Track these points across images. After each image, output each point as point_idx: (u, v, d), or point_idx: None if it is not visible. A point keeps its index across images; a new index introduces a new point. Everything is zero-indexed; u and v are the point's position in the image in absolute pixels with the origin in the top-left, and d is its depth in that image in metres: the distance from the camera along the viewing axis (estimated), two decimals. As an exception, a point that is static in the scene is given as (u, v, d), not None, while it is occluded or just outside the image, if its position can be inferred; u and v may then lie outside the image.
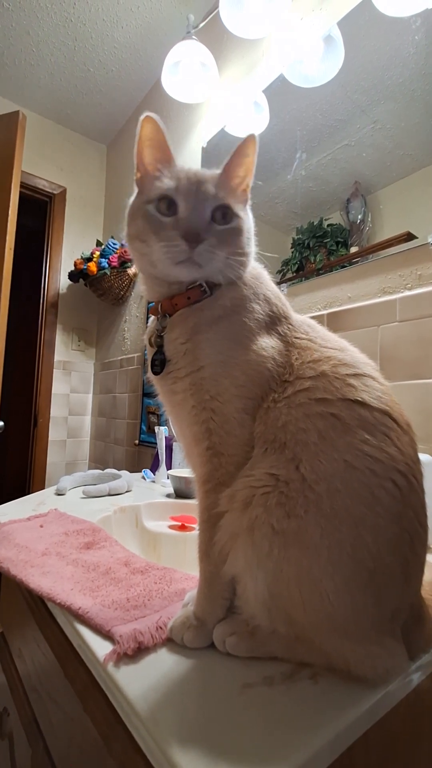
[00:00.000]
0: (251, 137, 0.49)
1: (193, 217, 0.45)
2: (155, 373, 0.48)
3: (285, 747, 0.31)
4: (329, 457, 0.39)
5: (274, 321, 0.48)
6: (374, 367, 0.47)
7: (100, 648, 0.42)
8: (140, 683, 0.37)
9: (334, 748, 0.33)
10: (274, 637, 0.40)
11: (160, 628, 0.43)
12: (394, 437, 0.40)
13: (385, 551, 0.38)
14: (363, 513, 0.37)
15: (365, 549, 0.37)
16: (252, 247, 0.51)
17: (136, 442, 1.91)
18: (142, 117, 0.47)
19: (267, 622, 0.40)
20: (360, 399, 0.41)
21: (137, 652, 0.41)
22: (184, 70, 1.49)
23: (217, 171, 0.49)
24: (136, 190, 0.51)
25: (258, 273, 0.52)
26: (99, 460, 2.31)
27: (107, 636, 0.43)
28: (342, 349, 0.47)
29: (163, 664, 0.40)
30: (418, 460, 0.42)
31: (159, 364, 0.48)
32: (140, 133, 0.47)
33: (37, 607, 0.65)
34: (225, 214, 0.47)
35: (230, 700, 0.35)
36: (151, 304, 0.53)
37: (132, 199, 0.51)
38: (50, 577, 0.56)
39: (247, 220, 0.50)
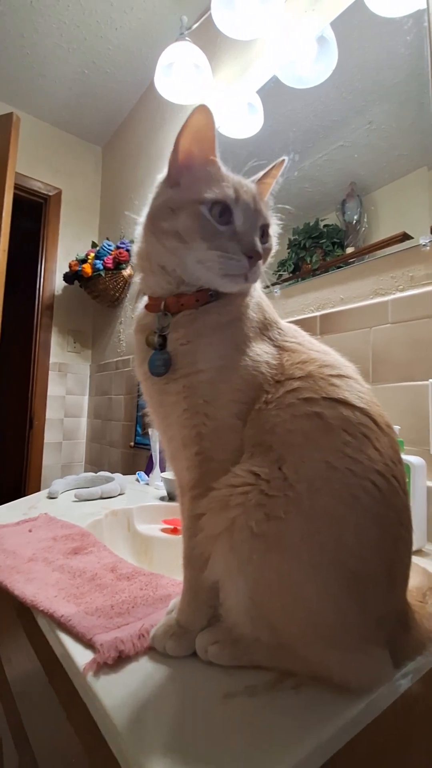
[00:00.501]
0: (282, 161, 0.52)
1: (252, 233, 0.45)
2: (159, 374, 0.46)
3: (264, 759, 0.30)
4: (312, 458, 0.39)
5: (266, 326, 0.49)
6: (355, 370, 0.47)
7: (82, 657, 0.42)
8: (119, 693, 0.37)
9: (315, 759, 0.32)
10: (257, 646, 0.39)
11: (143, 636, 0.43)
12: (374, 438, 0.40)
13: (367, 553, 0.37)
14: (343, 513, 0.37)
15: (347, 550, 0.37)
16: None
17: (132, 444, 1.90)
18: (197, 105, 0.45)
19: (250, 630, 0.39)
20: (343, 398, 0.42)
21: (118, 661, 0.40)
22: (178, 72, 1.49)
23: (253, 183, 0.50)
24: (160, 177, 0.49)
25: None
26: (95, 463, 2.31)
27: (89, 644, 0.43)
28: (325, 352, 0.49)
29: (144, 674, 0.39)
30: (399, 461, 0.42)
31: (163, 364, 0.46)
32: (190, 120, 0.45)
33: (25, 614, 0.64)
34: (265, 233, 0.49)
35: (211, 711, 0.35)
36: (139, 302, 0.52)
37: (160, 186, 0.48)
38: (35, 584, 0.55)
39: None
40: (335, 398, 0.42)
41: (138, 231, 0.51)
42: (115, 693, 0.37)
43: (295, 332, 0.51)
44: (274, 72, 1.30)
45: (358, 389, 0.44)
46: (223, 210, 0.45)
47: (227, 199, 0.45)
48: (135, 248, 0.51)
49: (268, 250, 0.49)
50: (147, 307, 0.51)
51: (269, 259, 0.51)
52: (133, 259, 0.52)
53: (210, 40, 1.51)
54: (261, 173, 0.52)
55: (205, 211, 0.44)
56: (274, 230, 0.51)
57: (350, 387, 0.43)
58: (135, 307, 0.54)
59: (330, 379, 0.43)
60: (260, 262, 0.45)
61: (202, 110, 0.44)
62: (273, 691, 0.37)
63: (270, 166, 0.52)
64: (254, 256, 0.44)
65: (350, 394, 0.43)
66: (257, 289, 0.52)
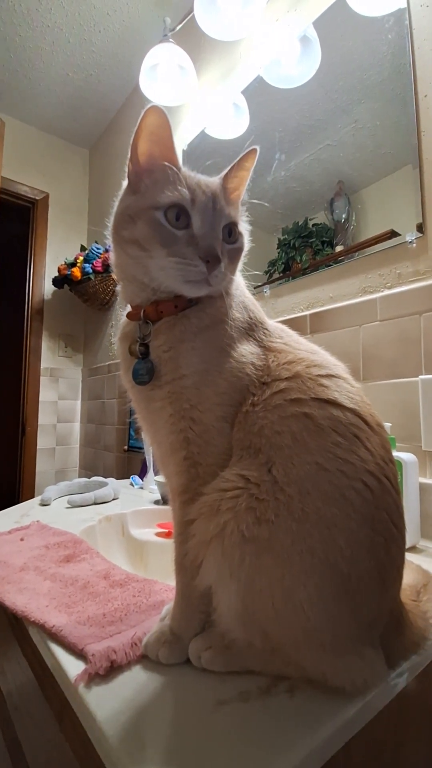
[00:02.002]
0: (254, 150, 0.48)
1: (211, 236, 0.43)
2: (142, 382, 0.45)
3: (258, 767, 0.30)
4: (301, 460, 0.38)
5: (252, 327, 0.48)
6: (345, 369, 0.47)
7: (74, 667, 0.41)
8: (112, 704, 0.36)
9: (310, 764, 0.32)
10: (250, 651, 0.39)
11: (135, 644, 0.42)
12: (364, 438, 0.40)
13: (358, 555, 0.37)
14: (334, 515, 0.37)
15: (338, 553, 0.36)
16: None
17: (125, 447, 1.89)
18: (147, 107, 0.42)
19: (242, 635, 0.39)
20: (332, 398, 0.41)
21: (110, 670, 0.40)
22: (163, 73, 1.48)
23: (218, 180, 0.48)
24: (125, 183, 0.47)
25: (236, 281, 0.51)
26: (89, 467, 2.29)
27: (81, 655, 0.42)
28: (313, 351, 0.48)
29: (137, 683, 0.39)
30: (391, 460, 0.42)
31: (146, 373, 0.45)
32: (141, 123, 0.43)
33: (18, 625, 0.63)
34: (232, 232, 0.47)
35: (204, 720, 0.34)
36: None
37: (122, 194, 0.47)
38: (26, 594, 0.54)
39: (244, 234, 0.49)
40: (324, 399, 0.41)
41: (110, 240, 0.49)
42: (108, 704, 0.36)
43: (282, 332, 0.51)
44: (258, 72, 1.30)
45: (347, 389, 0.43)
46: (180, 213, 0.43)
47: (182, 202, 0.43)
48: (110, 258, 0.51)
49: (236, 250, 0.47)
50: (128, 315, 0.50)
51: (243, 258, 0.49)
52: (112, 269, 0.52)
53: (194, 41, 1.51)
54: (229, 167, 0.48)
55: (160, 216, 0.43)
56: (244, 227, 0.50)
57: (340, 387, 0.43)
58: (121, 315, 0.53)
59: (318, 380, 0.43)
60: (222, 264, 0.43)
61: (155, 111, 0.43)
62: (267, 696, 0.37)
63: (238, 158, 0.48)
64: (212, 261, 0.42)
65: (340, 394, 0.42)
66: (241, 288, 0.51)
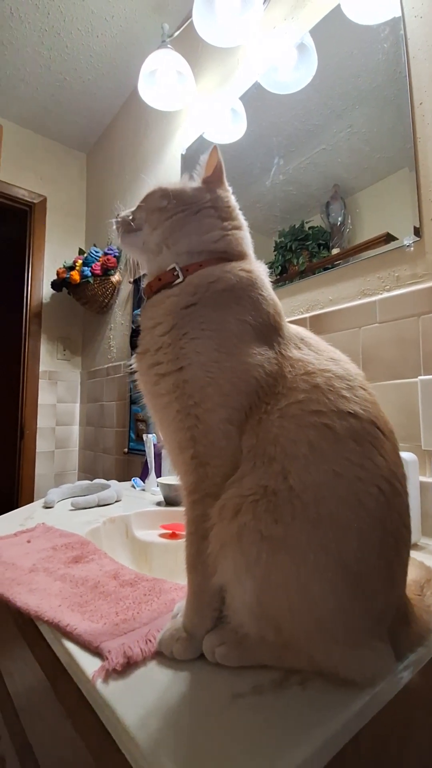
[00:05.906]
0: (213, 149, 0.54)
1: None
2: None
3: (274, 758, 0.31)
4: (318, 468, 0.39)
5: (268, 328, 0.47)
6: (363, 377, 0.47)
7: (89, 665, 0.42)
8: (130, 699, 0.37)
9: (323, 753, 0.33)
10: (263, 645, 0.40)
11: (149, 641, 0.43)
12: (379, 446, 0.41)
13: (370, 554, 0.38)
14: (348, 517, 0.38)
15: (351, 552, 0.37)
16: (217, 230, 0.52)
17: (125, 450, 1.90)
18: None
19: (256, 630, 0.40)
20: (352, 411, 0.41)
21: (126, 667, 0.41)
22: (161, 79, 1.50)
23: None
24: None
25: (256, 274, 0.50)
26: (88, 470, 2.29)
27: (96, 652, 0.43)
28: (335, 360, 0.47)
29: (153, 679, 0.40)
30: (400, 463, 0.43)
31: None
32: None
33: (27, 626, 0.64)
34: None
35: (220, 713, 0.35)
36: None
37: None
38: (37, 595, 0.55)
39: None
40: (345, 411, 0.41)
41: None
42: (125, 699, 0.37)
43: (300, 340, 0.48)
44: (256, 78, 1.32)
45: (366, 399, 0.43)
46: None
47: None
48: None
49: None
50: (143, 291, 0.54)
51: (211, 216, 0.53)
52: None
53: (192, 47, 1.53)
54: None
55: None
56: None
57: (359, 398, 0.43)
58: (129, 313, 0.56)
59: (340, 392, 0.42)
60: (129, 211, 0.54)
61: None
62: (280, 688, 0.38)
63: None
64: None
65: (359, 406, 0.42)
66: (260, 282, 0.49)
